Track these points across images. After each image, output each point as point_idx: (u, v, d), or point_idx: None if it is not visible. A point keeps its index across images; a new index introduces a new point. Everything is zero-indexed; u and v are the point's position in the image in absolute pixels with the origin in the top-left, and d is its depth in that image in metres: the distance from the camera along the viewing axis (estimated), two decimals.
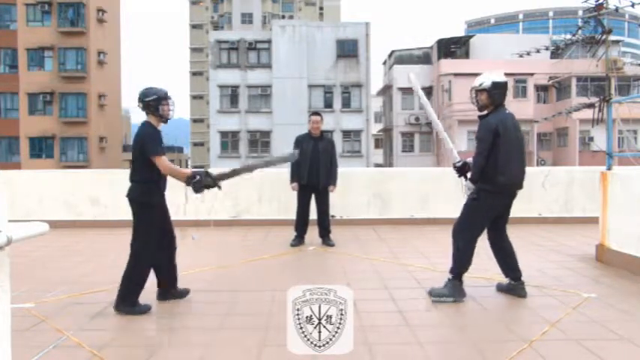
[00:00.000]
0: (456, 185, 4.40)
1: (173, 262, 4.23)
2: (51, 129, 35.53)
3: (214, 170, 4.27)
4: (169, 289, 4.22)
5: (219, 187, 4.11)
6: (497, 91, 4.07)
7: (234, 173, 4.26)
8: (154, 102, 3.98)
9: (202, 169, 4.17)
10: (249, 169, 4.45)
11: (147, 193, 3.97)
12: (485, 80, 4.08)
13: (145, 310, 3.90)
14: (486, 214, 4.16)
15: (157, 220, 4.03)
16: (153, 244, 4.02)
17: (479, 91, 4.12)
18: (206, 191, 4.08)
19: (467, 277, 4.47)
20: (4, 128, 35.36)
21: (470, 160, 4.29)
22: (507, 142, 4.02)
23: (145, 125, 4.02)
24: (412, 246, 6.52)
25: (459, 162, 4.33)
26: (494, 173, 4.02)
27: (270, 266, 5.49)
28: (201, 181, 4.01)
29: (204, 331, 3.49)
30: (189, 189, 4.05)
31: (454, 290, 4.11)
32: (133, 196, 3.98)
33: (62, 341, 3.30)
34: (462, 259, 4.15)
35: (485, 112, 4.17)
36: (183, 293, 4.28)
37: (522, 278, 4.27)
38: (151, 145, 3.92)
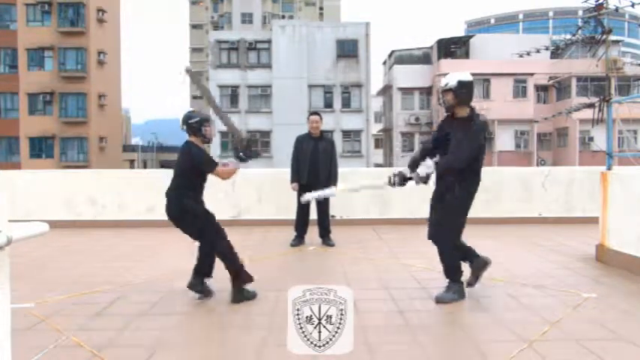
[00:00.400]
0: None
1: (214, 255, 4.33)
2: (51, 129, 35.56)
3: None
4: (203, 280, 4.25)
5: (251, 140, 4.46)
6: (463, 90, 3.99)
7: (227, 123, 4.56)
8: (196, 124, 4.24)
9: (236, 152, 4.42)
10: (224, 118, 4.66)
11: (191, 200, 4.18)
12: (451, 80, 4.00)
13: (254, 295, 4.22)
14: (466, 214, 4.14)
15: (207, 218, 4.23)
16: (215, 225, 4.23)
17: (445, 91, 4.04)
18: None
19: (466, 278, 4.48)
20: (4, 128, 35.38)
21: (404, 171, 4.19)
22: (485, 147, 4.12)
23: (190, 144, 4.27)
24: (412, 246, 6.51)
25: (399, 181, 4.19)
26: (475, 175, 4.07)
27: (270, 266, 5.49)
28: (247, 152, 4.36)
29: (205, 331, 3.49)
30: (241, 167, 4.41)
31: (459, 293, 4.14)
32: (180, 213, 4.15)
33: (62, 341, 3.29)
34: (453, 262, 4.16)
35: (466, 115, 4.05)
36: (210, 292, 4.29)
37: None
38: (207, 163, 4.20)
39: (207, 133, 4.28)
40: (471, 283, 4.29)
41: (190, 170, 4.20)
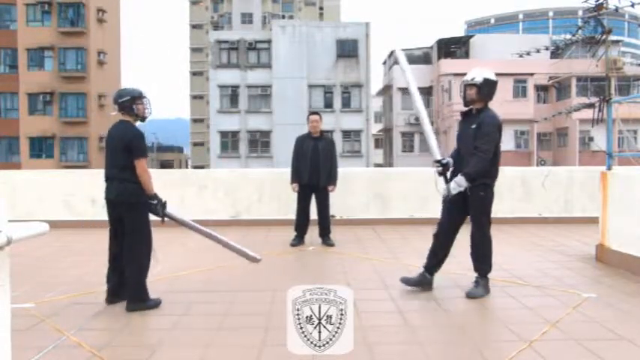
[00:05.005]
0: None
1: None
2: (51, 129, 35.54)
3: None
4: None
5: (162, 220, 4.06)
6: (487, 88, 4.13)
7: (180, 222, 4.23)
8: (128, 102, 3.99)
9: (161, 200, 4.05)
10: (197, 230, 4.35)
11: (139, 193, 3.94)
12: (477, 76, 4.12)
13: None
14: (491, 206, 4.28)
15: (146, 218, 4.02)
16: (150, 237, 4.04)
17: (469, 85, 4.14)
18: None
19: (467, 277, 4.49)
20: (4, 128, 35.36)
21: (450, 160, 4.30)
22: (500, 142, 4.19)
23: (127, 124, 4.00)
24: (412, 246, 6.51)
25: (444, 159, 4.29)
26: (494, 166, 4.16)
27: (270, 266, 5.48)
28: (157, 207, 3.99)
29: (204, 331, 3.49)
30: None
31: (486, 288, 4.22)
32: (125, 197, 3.91)
33: (62, 341, 3.29)
34: (489, 256, 4.24)
35: (477, 107, 4.19)
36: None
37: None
38: (143, 148, 3.94)
39: (140, 111, 4.01)
40: (404, 280, 4.40)
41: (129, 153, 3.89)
